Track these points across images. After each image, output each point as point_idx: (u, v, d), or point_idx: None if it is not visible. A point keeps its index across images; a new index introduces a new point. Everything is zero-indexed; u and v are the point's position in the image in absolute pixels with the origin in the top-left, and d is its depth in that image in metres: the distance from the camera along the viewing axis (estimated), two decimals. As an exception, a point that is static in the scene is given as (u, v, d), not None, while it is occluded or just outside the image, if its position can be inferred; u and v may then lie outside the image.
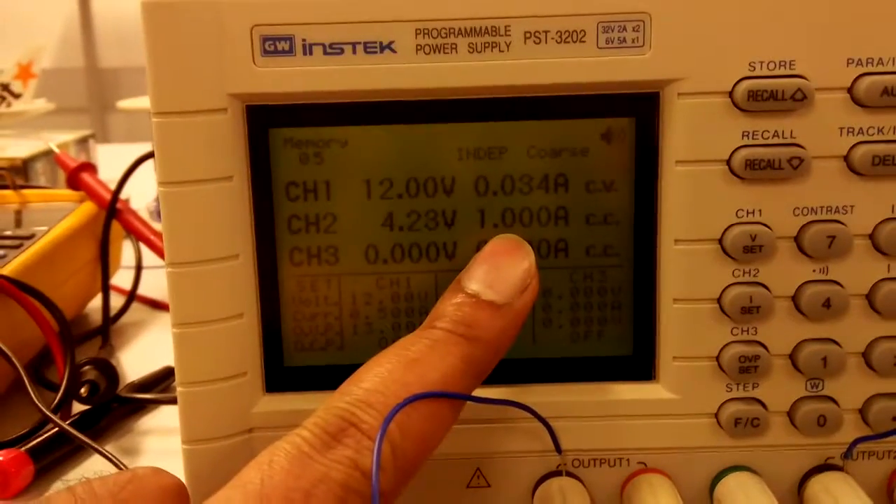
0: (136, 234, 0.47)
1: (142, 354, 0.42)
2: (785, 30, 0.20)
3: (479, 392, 0.22)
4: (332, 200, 0.22)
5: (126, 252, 0.51)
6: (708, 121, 0.21)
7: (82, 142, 0.78)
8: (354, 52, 0.20)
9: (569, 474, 0.23)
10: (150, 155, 0.48)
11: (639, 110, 0.21)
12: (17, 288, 0.36)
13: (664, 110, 0.21)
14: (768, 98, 0.20)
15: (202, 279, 0.21)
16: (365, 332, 0.23)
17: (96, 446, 0.29)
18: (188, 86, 0.20)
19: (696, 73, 0.21)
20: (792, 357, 0.22)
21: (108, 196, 0.47)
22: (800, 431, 0.22)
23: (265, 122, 0.21)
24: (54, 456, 0.32)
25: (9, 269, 0.37)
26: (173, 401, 0.36)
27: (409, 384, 0.18)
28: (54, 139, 0.74)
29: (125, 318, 0.46)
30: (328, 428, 0.17)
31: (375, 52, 0.20)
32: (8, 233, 0.42)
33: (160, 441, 0.34)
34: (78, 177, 0.48)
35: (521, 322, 0.20)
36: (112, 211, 0.46)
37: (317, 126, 0.21)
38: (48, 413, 0.31)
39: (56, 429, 0.32)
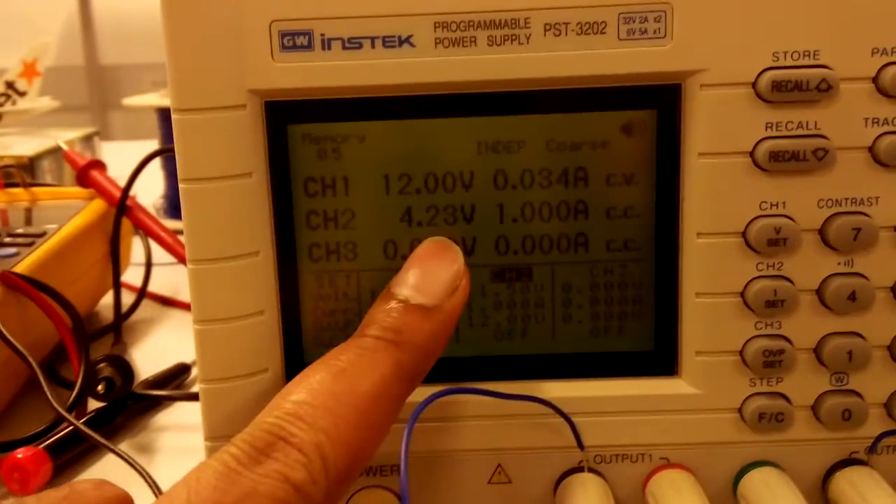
0: (147, 231, 0.47)
1: (154, 351, 0.42)
2: (809, 19, 0.20)
3: (502, 387, 0.22)
4: (351, 196, 0.22)
5: (135, 249, 0.51)
6: (731, 112, 0.21)
7: (87, 139, 0.78)
8: (373, 46, 0.20)
9: (591, 470, 0.23)
10: (158, 153, 0.48)
11: (660, 102, 0.21)
12: (31, 286, 0.36)
13: (686, 102, 0.21)
14: (793, 89, 0.20)
15: (223, 276, 0.21)
16: (384, 329, 0.23)
17: (110, 445, 0.29)
18: (208, 82, 0.20)
19: (719, 63, 0.20)
20: (816, 351, 0.22)
21: (117, 193, 0.47)
22: (824, 426, 0.22)
23: (284, 118, 0.21)
24: (72, 453, 0.32)
25: (22, 267, 0.37)
26: (188, 397, 0.36)
27: (338, 395, 0.18)
28: (61, 137, 0.74)
29: (136, 315, 0.46)
30: (256, 443, 0.17)
31: (394, 46, 0.20)
32: (20, 231, 0.42)
33: (175, 438, 0.34)
34: (87, 174, 0.48)
35: (453, 324, 0.20)
36: (122, 208, 0.46)
37: (335, 122, 0.21)
38: (63, 412, 0.31)
39: (72, 427, 0.32)
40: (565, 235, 0.22)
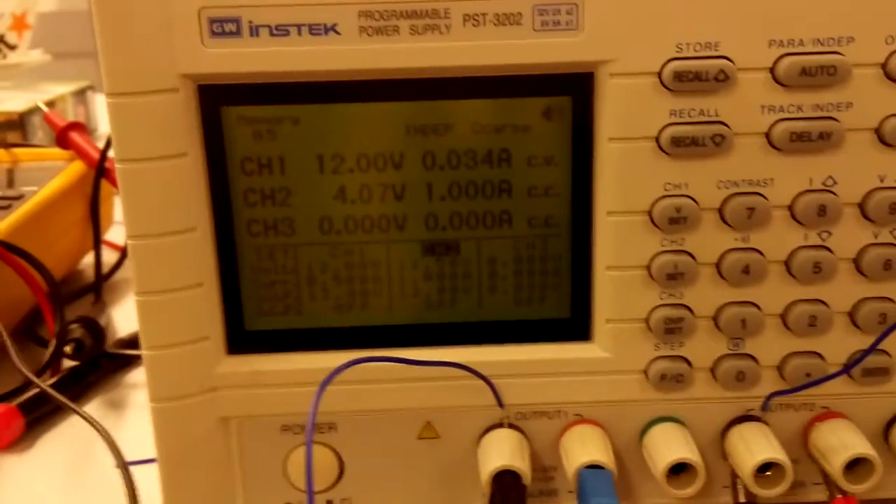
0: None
1: (134, 310, 0.44)
2: (710, 12, 0.21)
3: (431, 352, 0.24)
4: (287, 175, 0.23)
5: (118, 208, 0.52)
6: (638, 100, 0.22)
7: (80, 93, 0.78)
8: (300, 33, 0.21)
9: (511, 426, 0.25)
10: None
11: (575, 89, 0.23)
12: (6, 249, 0.38)
13: (598, 90, 0.22)
14: (693, 79, 0.22)
15: (161, 251, 0.23)
16: (322, 298, 0.25)
17: (74, 407, 0.31)
18: (140, 67, 0.21)
19: (627, 54, 0.22)
20: (715, 319, 0.24)
21: (96, 155, 0.48)
22: (721, 386, 0.24)
23: (217, 100, 0.22)
24: (42, 411, 0.34)
25: (-1, 231, 0.39)
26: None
27: None
28: (51, 92, 0.74)
29: (119, 274, 0.48)
30: None
31: (320, 34, 0.21)
32: (-1, 194, 0.43)
33: (144, 394, 0.36)
34: (67, 136, 0.49)
35: None
36: (101, 170, 0.47)
37: (268, 105, 0.23)
38: (31, 375, 0.33)
39: (45, 383, 0.34)
40: (490, 213, 0.24)
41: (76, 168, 0.48)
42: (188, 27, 0.21)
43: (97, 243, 0.47)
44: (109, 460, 0.32)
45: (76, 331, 0.37)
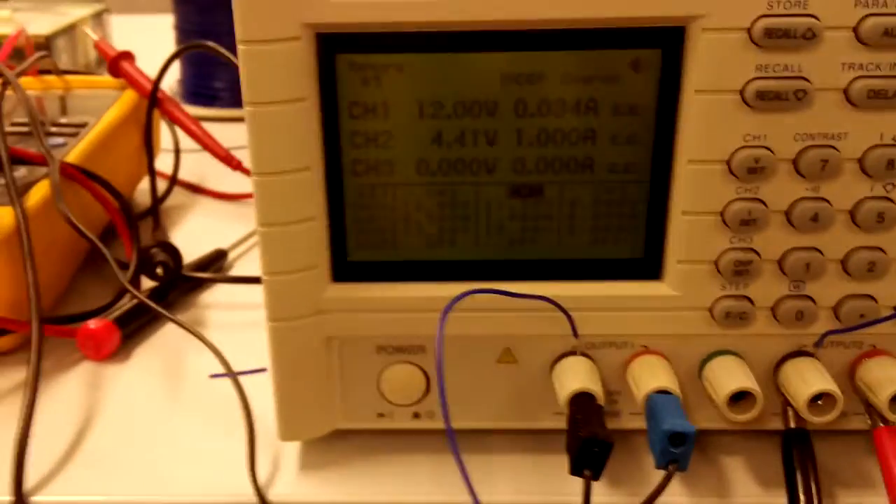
0: (178, 123, 0.50)
1: (188, 234, 0.46)
2: (802, -28, 0.22)
3: (513, 286, 0.26)
4: (389, 119, 0.25)
5: (165, 137, 0.54)
6: (727, 54, 0.23)
7: (97, 17, 0.78)
8: (414, -13, 0.23)
9: (583, 354, 0.27)
10: (188, 48, 0.50)
11: (666, 42, 0.24)
12: (83, 174, 0.40)
13: (688, 43, 0.24)
14: (782, 36, 0.23)
15: (281, 187, 0.25)
16: (415, 234, 0.27)
17: (171, 316, 0.34)
18: (269, 16, 0.23)
19: (720, 9, 0.23)
20: (779, 262, 0.26)
21: (148, 85, 0.49)
22: (780, 324, 0.26)
23: (333, 48, 0.24)
24: (135, 324, 0.36)
25: (72, 157, 0.41)
26: (228, 280, 0.41)
27: None
28: (70, 14, 0.74)
29: (168, 202, 0.50)
30: None
31: (432, -12, 0.23)
32: (63, 120, 0.45)
33: (219, 314, 0.38)
34: (119, 65, 0.50)
35: None
36: (153, 100, 0.48)
37: (377, 53, 0.24)
38: (131, 288, 0.36)
39: (133, 301, 0.36)
40: (574, 158, 0.26)
41: (130, 97, 0.49)
42: (313, -21, 0.22)
43: (152, 171, 0.48)
44: (200, 370, 0.35)
45: (159, 254, 0.39)
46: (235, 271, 0.43)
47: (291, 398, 0.27)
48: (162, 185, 0.49)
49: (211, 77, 0.66)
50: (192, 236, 0.46)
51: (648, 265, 0.27)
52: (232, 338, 0.36)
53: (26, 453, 0.28)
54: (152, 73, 0.49)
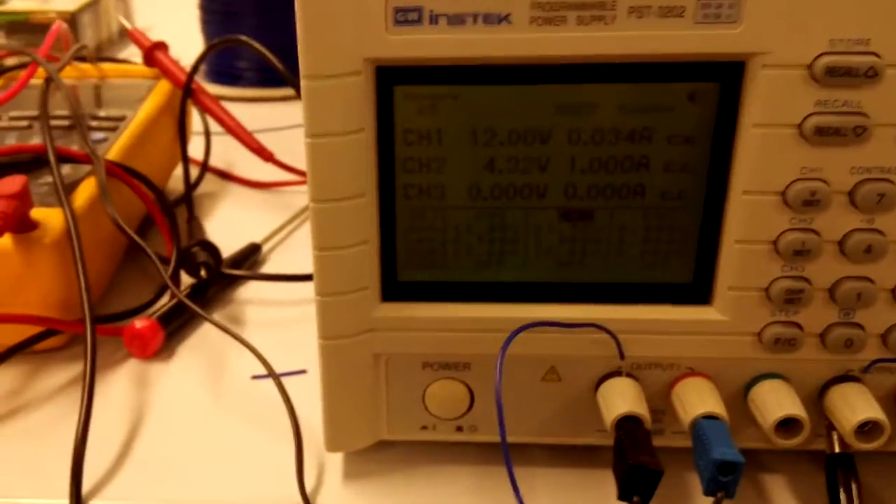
0: (212, 114, 0.50)
1: (220, 223, 0.47)
2: (863, 9, 0.22)
3: (560, 308, 0.27)
4: (443, 146, 0.25)
5: (196, 122, 0.54)
6: (786, 90, 0.23)
7: None
8: (475, 22, 0.23)
9: (628, 374, 0.28)
10: (223, 42, 0.50)
11: (725, 77, 0.24)
12: (124, 171, 0.40)
13: (748, 79, 0.23)
14: (844, 74, 0.23)
15: (338, 213, 0.25)
16: (464, 256, 0.27)
17: (213, 320, 0.34)
18: (333, 53, 0.23)
19: (782, 47, 0.23)
20: (831, 291, 0.26)
21: (182, 76, 0.49)
22: (829, 350, 0.27)
23: (391, 80, 0.24)
24: (176, 323, 0.37)
25: (113, 153, 0.41)
26: (265, 278, 0.41)
27: None
28: None
29: (199, 190, 0.50)
30: None
31: (493, 23, 0.23)
32: (102, 114, 0.45)
33: (257, 311, 0.39)
34: (153, 55, 0.50)
35: None
36: (188, 91, 0.49)
37: (433, 85, 0.24)
38: (175, 290, 0.36)
39: (174, 300, 0.37)
40: (626, 185, 0.26)
41: (164, 88, 0.49)
42: (375, 16, 0.22)
43: (185, 162, 0.49)
44: (241, 369, 0.35)
45: (200, 254, 0.40)
46: (269, 265, 0.43)
47: (339, 411, 0.28)
48: (195, 171, 0.50)
49: (235, 57, 0.66)
50: (224, 226, 0.46)
51: (697, 290, 0.27)
52: (270, 336, 0.37)
53: (83, 460, 0.29)
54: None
